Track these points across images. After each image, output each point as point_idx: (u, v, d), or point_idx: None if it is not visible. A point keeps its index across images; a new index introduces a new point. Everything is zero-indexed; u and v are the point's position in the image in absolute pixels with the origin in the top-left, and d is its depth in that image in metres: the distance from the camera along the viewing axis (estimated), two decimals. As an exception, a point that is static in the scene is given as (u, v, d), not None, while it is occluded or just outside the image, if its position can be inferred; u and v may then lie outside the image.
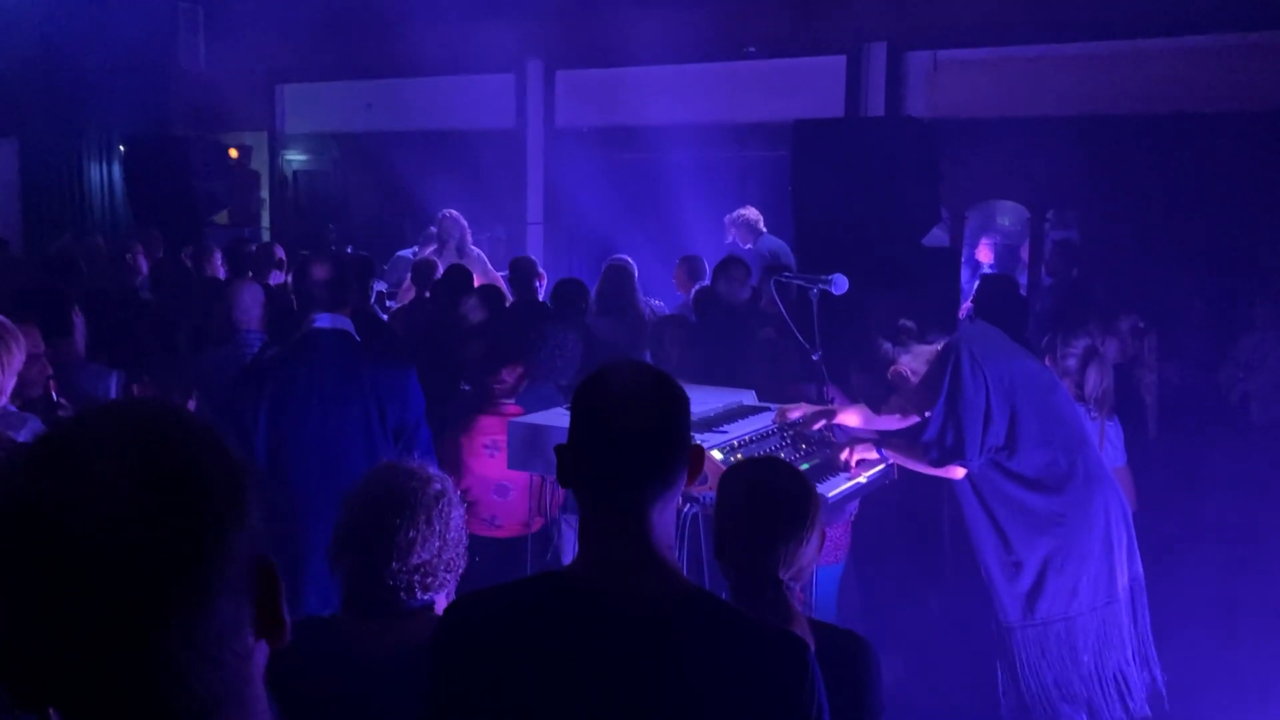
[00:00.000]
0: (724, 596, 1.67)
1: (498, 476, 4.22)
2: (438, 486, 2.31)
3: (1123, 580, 3.69)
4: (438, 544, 2.24)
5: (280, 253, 7.61)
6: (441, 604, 2.33)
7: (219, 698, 0.89)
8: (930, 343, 3.81)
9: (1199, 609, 4.46)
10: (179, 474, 0.86)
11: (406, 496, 2.24)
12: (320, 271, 3.62)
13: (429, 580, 2.23)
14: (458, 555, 2.31)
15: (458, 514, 2.33)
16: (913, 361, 3.77)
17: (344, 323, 3.64)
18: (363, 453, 3.45)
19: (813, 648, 1.99)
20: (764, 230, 8.13)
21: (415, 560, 2.20)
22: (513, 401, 4.40)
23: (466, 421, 4.27)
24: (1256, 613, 4.05)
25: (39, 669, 0.83)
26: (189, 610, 0.85)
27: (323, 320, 3.60)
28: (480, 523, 4.22)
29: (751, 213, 8.13)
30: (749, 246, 8.05)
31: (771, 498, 2.12)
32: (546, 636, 1.56)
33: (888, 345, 3.81)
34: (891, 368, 3.78)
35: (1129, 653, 3.69)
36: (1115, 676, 3.67)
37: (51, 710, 0.86)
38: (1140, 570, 3.77)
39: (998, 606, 3.72)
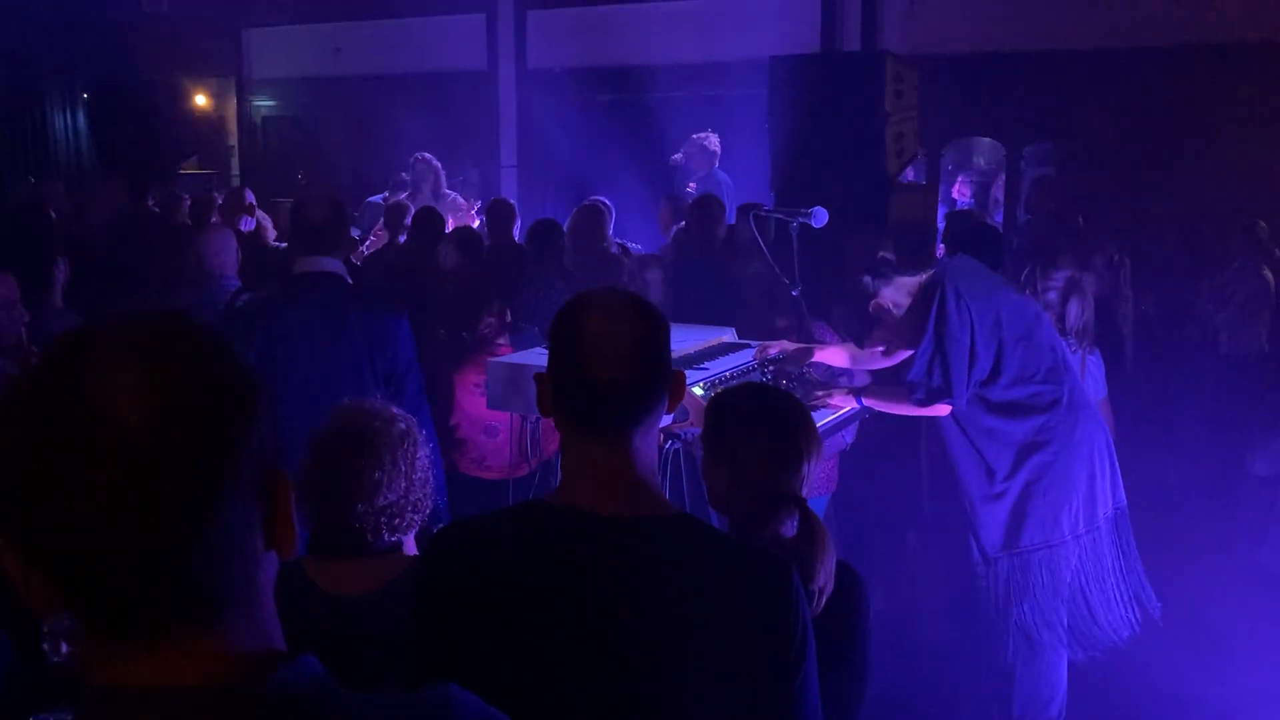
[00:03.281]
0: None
1: (487, 417, 4.19)
2: (402, 426, 2.27)
3: (1105, 509, 3.71)
4: (404, 484, 2.22)
5: (250, 197, 7.50)
6: (409, 544, 2.32)
7: (225, 598, 0.91)
8: (911, 274, 3.78)
9: (1175, 537, 4.53)
10: (189, 373, 0.88)
11: (371, 437, 2.21)
12: (315, 212, 3.52)
13: (396, 521, 2.21)
14: (424, 495, 2.28)
15: (423, 453, 2.30)
16: (894, 294, 3.75)
17: (335, 266, 3.56)
18: (352, 397, 3.41)
19: (835, 563, 2.00)
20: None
21: (381, 502, 2.18)
22: (505, 342, 4.37)
23: (460, 359, 4.24)
24: (1228, 541, 4.12)
25: (53, 562, 0.85)
26: (200, 507, 0.87)
27: (314, 263, 3.52)
28: (469, 463, 4.21)
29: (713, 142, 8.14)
30: (701, 174, 8.04)
31: (789, 415, 2.13)
32: (531, 560, 1.56)
33: (868, 278, 3.78)
34: (873, 301, 3.76)
35: (1110, 581, 3.73)
36: (1095, 603, 3.72)
37: (62, 610, 0.88)
38: (1124, 499, 3.80)
39: (981, 537, 3.74)
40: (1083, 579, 3.69)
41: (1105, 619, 3.70)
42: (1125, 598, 3.74)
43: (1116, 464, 3.81)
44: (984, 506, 3.70)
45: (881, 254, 3.79)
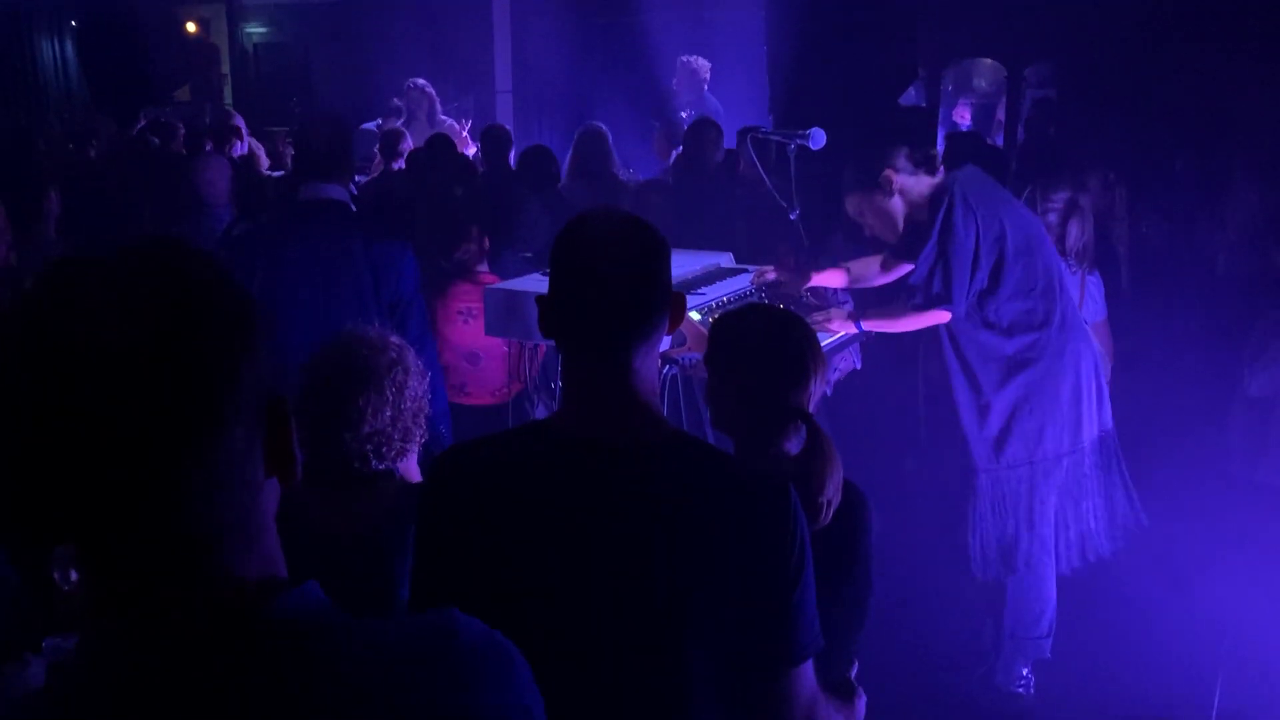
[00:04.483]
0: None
1: (469, 344, 4.21)
2: (392, 355, 2.28)
3: (1090, 431, 3.74)
4: (390, 413, 2.22)
5: (239, 121, 7.42)
6: (408, 470, 2.33)
7: (225, 524, 0.90)
8: (931, 175, 3.71)
9: (1170, 456, 4.56)
10: (189, 298, 0.87)
11: (359, 365, 2.22)
12: (318, 137, 3.43)
13: (383, 449, 2.22)
14: (415, 424, 2.29)
15: (414, 382, 2.30)
16: (914, 184, 3.66)
17: (339, 192, 3.47)
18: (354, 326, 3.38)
19: (841, 477, 2.02)
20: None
21: (367, 429, 2.19)
22: (487, 269, 4.36)
23: (442, 287, 4.25)
24: (1222, 465, 4.15)
25: (55, 496, 0.84)
26: (196, 437, 0.86)
27: (318, 190, 3.43)
28: (450, 389, 4.22)
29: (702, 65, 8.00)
30: (691, 99, 7.91)
31: (793, 332, 2.14)
32: (532, 480, 1.57)
33: (901, 176, 3.67)
34: (887, 172, 3.66)
35: (1088, 503, 3.78)
36: (1075, 523, 3.77)
37: (65, 544, 0.87)
38: (1110, 423, 3.82)
39: (968, 450, 3.76)
40: (1066, 498, 3.74)
41: (1083, 537, 3.77)
42: (1106, 518, 3.79)
43: (1105, 389, 3.82)
44: (971, 420, 3.71)
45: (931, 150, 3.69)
